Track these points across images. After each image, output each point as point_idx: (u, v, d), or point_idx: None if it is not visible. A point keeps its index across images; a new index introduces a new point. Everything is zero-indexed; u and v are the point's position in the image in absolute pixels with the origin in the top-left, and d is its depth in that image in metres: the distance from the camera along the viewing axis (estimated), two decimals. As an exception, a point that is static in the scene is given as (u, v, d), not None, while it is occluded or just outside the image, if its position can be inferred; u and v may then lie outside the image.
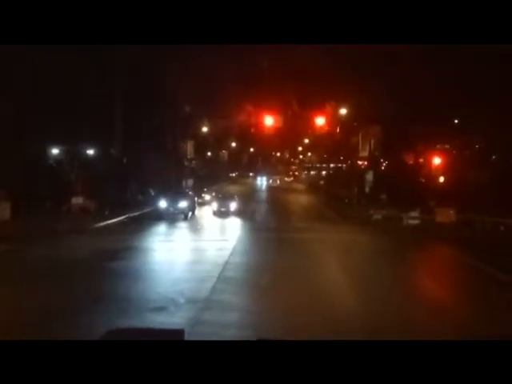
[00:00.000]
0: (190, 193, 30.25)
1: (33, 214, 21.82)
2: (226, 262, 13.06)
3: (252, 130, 44.83)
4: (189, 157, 40.89)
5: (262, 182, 78.45)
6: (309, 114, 33.35)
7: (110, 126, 30.12)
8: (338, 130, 36.99)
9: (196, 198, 30.15)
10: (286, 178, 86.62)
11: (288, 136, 51.08)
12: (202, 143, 45.66)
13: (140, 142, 31.14)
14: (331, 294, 9.94)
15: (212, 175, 56.31)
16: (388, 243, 18.42)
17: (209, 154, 58.19)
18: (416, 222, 24.17)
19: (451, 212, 23.14)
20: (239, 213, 27.81)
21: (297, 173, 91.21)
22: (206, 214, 28.84)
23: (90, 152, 31.53)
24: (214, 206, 28.89)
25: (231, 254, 14.63)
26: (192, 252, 16.28)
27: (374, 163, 34.16)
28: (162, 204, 25.57)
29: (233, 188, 47.46)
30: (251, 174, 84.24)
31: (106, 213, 23.83)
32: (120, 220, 23.55)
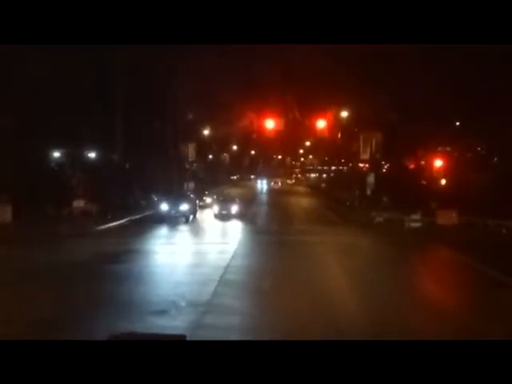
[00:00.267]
0: (192, 196, 30.24)
1: (34, 217, 21.83)
2: (228, 265, 13.03)
3: (254, 136, 44.91)
4: (190, 160, 40.88)
5: (262, 185, 74.78)
6: (310, 118, 33.38)
7: (112, 129, 30.18)
8: (339, 135, 37.03)
9: (197, 201, 30.13)
10: (287, 181, 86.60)
11: (289, 139, 51.10)
12: (203, 146, 45.69)
13: (141, 145, 31.19)
14: (333, 297, 9.90)
15: (213, 178, 56.32)
16: (390, 246, 18.38)
17: (210, 156, 58.21)
18: (418, 224, 24.14)
19: (453, 214, 23.11)
20: (240, 216, 27.79)
21: (300, 175, 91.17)
22: (207, 216, 28.82)
23: (92, 155, 31.54)
24: (216, 208, 28.87)
25: (232, 257, 14.60)
26: (193, 255, 16.26)
27: (375, 166, 34.11)
28: (164, 207, 25.56)
29: (234, 191, 47.45)
30: (252, 177, 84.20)
31: (109, 216, 23.83)
32: (121, 223, 23.54)
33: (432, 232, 21.98)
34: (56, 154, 30.10)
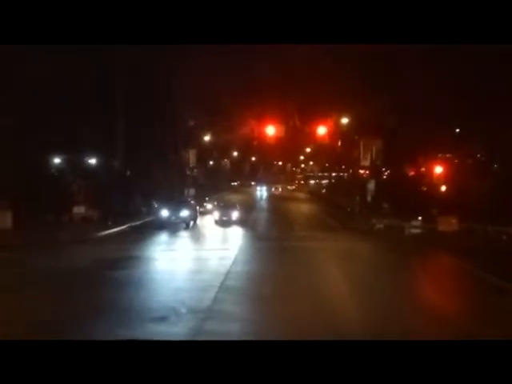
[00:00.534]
0: (192, 202, 30.25)
1: (34, 223, 21.83)
2: (228, 271, 13.02)
3: (255, 143, 44.96)
4: (191, 166, 40.92)
5: (261, 192, 72.30)
6: (310, 124, 33.47)
7: (112, 135, 30.23)
8: (339, 142, 37.11)
9: (198, 207, 30.14)
10: (288, 187, 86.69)
11: (289, 145, 51.18)
12: (204, 152, 45.75)
13: (142, 151, 31.24)
14: (333, 303, 9.88)
15: (214, 184, 56.31)
16: (390, 252, 18.36)
17: (211, 163, 58.26)
18: (418, 230, 24.11)
19: (453, 221, 23.08)
20: (241, 222, 27.77)
21: (302, 181, 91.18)
22: (207, 223, 28.81)
23: (92, 161, 31.57)
24: (216, 214, 28.86)
25: (233, 263, 14.59)
26: (193, 261, 16.24)
27: (375, 172, 34.13)
28: (164, 213, 25.57)
29: (234, 197, 47.43)
30: (253, 183, 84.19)
31: (110, 222, 23.84)
32: (122, 229, 23.54)
33: (433, 238, 21.94)
34: (56, 160, 30.12)
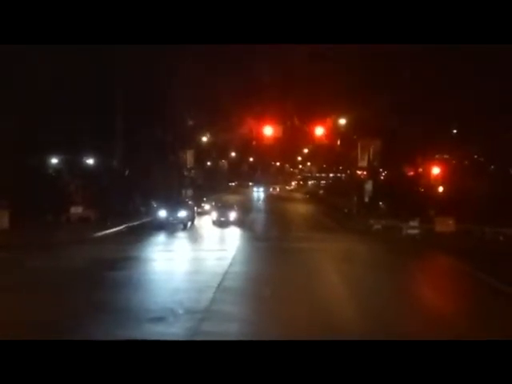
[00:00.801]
0: (190, 202, 30.22)
1: (32, 223, 21.78)
2: (226, 272, 13.01)
3: (253, 143, 44.94)
4: (188, 166, 40.90)
5: (258, 193, 69.66)
6: (308, 125, 33.48)
7: (111, 135, 30.19)
8: (337, 142, 37.11)
9: (195, 208, 30.12)
10: (286, 187, 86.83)
11: (287, 146, 51.19)
12: (202, 153, 45.74)
13: (140, 152, 31.22)
14: (331, 304, 9.88)
15: (211, 185, 56.28)
16: (388, 253, 18.39)
17: (208, 163, 58.24)
18: (416, 231, 24.13)
19: (450, 222, 23.12)
20: (239, 222, 27.77)
21: (302, 182, 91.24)
22: (205, 223, 28.79)
23: (90, 162, 31.53)
24: (214, 215, 28.85)
25: (231, 263, 14.58)
26: (191, 262, 16.24)
27: (373, 173, 34.17)
28: (162, 214, 25.55)
29: (232, 197, 47.43)
30: (251, 184, 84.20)
31: (109, 223, 23.81)
32: (119, 230, 23.50)
33: (430, 239, 21.98)
34: (54, 161, 30.06)
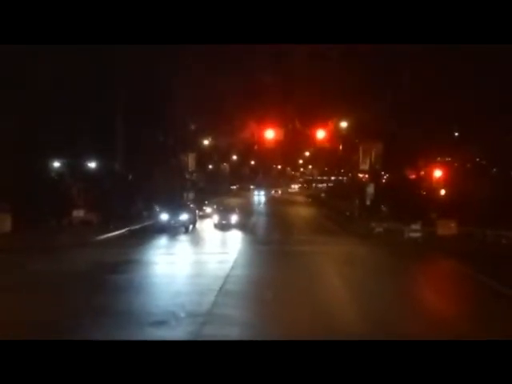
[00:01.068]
0: (191, 205, 30.23)
1: (33, 226, 21.81)
2: (227, 275, 13.01)
3: (255, 147, 45.00)
4: (190, 169, 40.94)
5: (259, 196, 67.95)
6: (310, 128, 33.51)
7: (112, 138, 30.25)
8: (339, 145, 37.16)
9: (197, 211, 30.12)
10: (288, 190, 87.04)
11: (289, 149, 51.22)
12: (203, 156, 45.80)
13: (142, 155, 31.26)
14: (333, 307, 9.88)
15: (213, 188, 56.28)
16: (390, 256, 18.36)
17: (210, 166, 58.29)
18: (418, 234, 24.07)
19: (452, 225, 23.07)
20: (240, 225, 27.76)
21: (301, 185, 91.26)
22: (207, 226, 28.78)
23: (92, 165, 31.57)
24: (215, 218, 28.85)
25: (232, 267, 14.58)
26: (193, 265, 16.23)
27: (374, 176, 34.14)
28: (163, 217, 25.56)
29: (234, 200, 47.42)
30: (252, 187, 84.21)
31: (111, 226, 23.83)
32: (121, 233, 23.52)
33: (432, 242, 21.94)
34: (56, 164, 30.11)
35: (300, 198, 67.51)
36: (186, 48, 25.23)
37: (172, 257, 17.96)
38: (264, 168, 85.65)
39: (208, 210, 34.36)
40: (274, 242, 21.80)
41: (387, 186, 36.74)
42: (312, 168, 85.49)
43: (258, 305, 10.12)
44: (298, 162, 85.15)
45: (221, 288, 11.32)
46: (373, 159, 31.82)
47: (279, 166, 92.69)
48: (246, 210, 37.66)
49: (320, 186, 79.72)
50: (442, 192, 31.20)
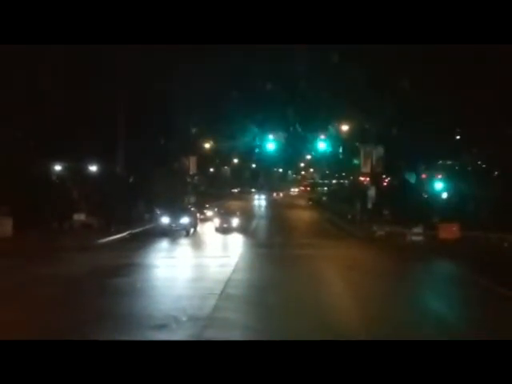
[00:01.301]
0: (192, 209, 30.22)
1: (35, 230, 21.78)
2: (229, 279, 12.96)
3: (257, 151, 45.13)
4: (191, 173, 40.96)
5: (260, 201, 67.74)
6: (311, 131, 33.59)
7: (113, 142, 30.27)
8: (340, 149, 37.20)
9: (198, 214, 30.10)
10: (289, 193, 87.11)
11: (290, 152, 51.26)
12: (204, 159, 45.85)
13: (144, 159, 31.28)
14: (334, 311, 9.81)
15: (214, 191, 56.31)
16: (393, 260, 18.30)
17: (211, 170, 58.35)
18: (420, 238, 24.03)
19: (454, 228, 23.00)
20: (241, 229, 27.72)
21: (302, 188, 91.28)
22: (207, 230, 28.75)
23: (93, 168, 31.57)
24: (216, 222, 28.82)
25: (233, 270, 14.53)
26: (194, 269, 16.19)
27: (375, 179, 34.10)
28: (164, 220, 25.54)
29: (235, 204, 47.41)
30: (253, 190, 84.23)
31: (112, 229, 23.81)
32: (122, 236, 23.50)
33: (434, 246, 21.88)
34: (57, 168, 30.10)
35: (301, 202, 67.51)
36: (190, 52, 25.36)
37: (173, 260, 17.92)
38: (265, 171, 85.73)
39: (209, 213, 34.35)
40: (275, 246, 21.75)
41: (389, 189, 36.70)
42: (313, 171, 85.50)
43: (259, 309, 10.06)
44: (299, 165, 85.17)
45: (222, 292, 11.28)
46: (374, 162, 31.79)
47: (280, 170, 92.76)
48: (247, 214, 37.65)
49: (320, 189, 79.83)
50: (444, 195, 31.14)
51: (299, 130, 34.05)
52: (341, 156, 40.10)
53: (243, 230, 27.72)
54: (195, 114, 36.01)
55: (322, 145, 33.99)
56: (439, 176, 31.68)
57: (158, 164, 33.31)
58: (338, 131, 33.58)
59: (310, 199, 67.36)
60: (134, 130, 29.88)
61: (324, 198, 63.04)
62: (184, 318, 8.89)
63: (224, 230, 27.39)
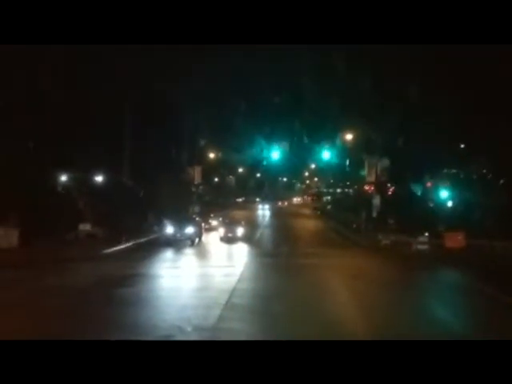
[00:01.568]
0: (197, 219, 30.26)
1: (40, 240, 21.86)
2: (234, 289, 12.95)
3: (264, 162, 45.36)
4: (196, 183, 41.07)
5: (264, 211, 66.74)
6: (316, 140, 33.71)
7: (119, 152, 30.45)
8: (345, 160, 37.30)
9: (203, 224, 30.13)
10: (294, 202, 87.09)
11: (295, 161, 51.34)
12: (209, 169, 46.02)
13: (150, 169, 31.44)
14: (341, 322, 9.78)
15: (219, 201, 56.36)
16: (398, 269, 18.24)
17: (216, 179, 58.45)
18: (425, 247, 23.93)
19: (460, 237, 22.90)
20: (246, 238, 27.71)
21: (308, 197, 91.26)
22: (212, 239, 28.76)
23: (99, 179, 31.71)
24: (221, 231, 28.83)
25: (238, 280, 14.52)
26: (199, 278, 16.18)
27: (380, 188, 34.06)
28: (169, 230, 25.58)
29: (240, 213, 47.40)
30: (258, 200, 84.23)
31: (123, 239, 23.89)
32: (127, 246, 23.55)
33: (440, 255, 21.79)
34: (63, 178, 30.25)
35: (306, 211, 67.40)
36: (199, 62, 25.57)
37: (178, 270, 17.93)
38: (270, 180, 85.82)
39: (214, 222, 34.37)
40: (280, 255, 21.73)
41: (394, 198, 36.63)
42: (318, 180, 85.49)
43: (264, 319, 10.04)
44: (304, 174, 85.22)
45: (227, 302, 11.27)
46: (379, 171, 31.79)
47: (285, 179, 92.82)
48: (252, 223, 37.62)
49: (325, 198, 79.73)
50: (449, 204, 31.04)
51: (305, 139, 34.17)
52: (347, 168, 40.17)
53: (248, 239, 27.71)
54: (203, 125, 36.27)
55: (327, 154, 34.04)
56: (444, 185, 31.60)
57: (164, 173, 33.45)
58: (344, 141, 33.64)
59: (315, 208, 67.24)
60: (141, 140, 30.06)
61: (328, 207, 62.94)
62: (189, 329, 8.89)
63: (229, 239, 27.39)
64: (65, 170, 29.08)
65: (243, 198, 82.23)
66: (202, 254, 23.56)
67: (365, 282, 14.82)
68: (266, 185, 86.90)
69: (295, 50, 24.14)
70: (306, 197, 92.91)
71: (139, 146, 30.34)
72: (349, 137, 33.30)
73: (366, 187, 35.83)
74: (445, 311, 11.50)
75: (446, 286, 15.83)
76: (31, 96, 22.54)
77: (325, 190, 79.51)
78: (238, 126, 35.65)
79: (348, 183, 54.06)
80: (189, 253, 23.20)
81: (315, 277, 15.49)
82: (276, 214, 61.39)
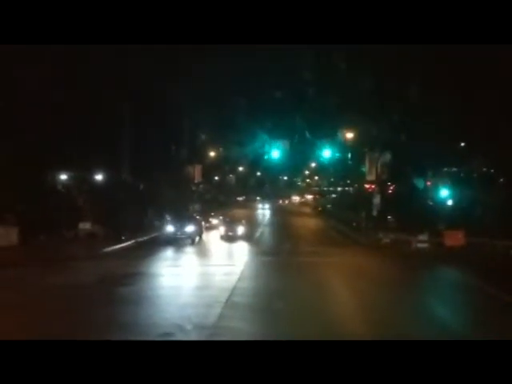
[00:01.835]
0: (197, 217, 30.27)
1: (40, 239, 21.89)
2: (234, 287, 12.97)
3: (265, 158, 45.35)
4: (196, 181, 41.07)
5: (264, 210, 66.23)
6: (317, 138, 33.66)
7: (119, 150, 30.45)
8: (348, 155, 37.27)
9: (203, 223, 30.14)
10: (294, 201, 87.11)
11: (295, 160, 51.33)
12: (210, 167, 46.02)
13: (150, 167, 31.44)
14: (341, 320, 9.80)
15: (219, 199, 56.39)
16: (398, 268, 18.24)
17: (216, 178, 58.45)
18: (425, 245, 23.93)
19: (460, 236, 22.89)
20: (247, 237, 27.73)
21: (308, 195, 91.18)
22: (213, 238, 28.77)
23: (99, 177, 31.71)
24: (222, 230, 28.84)
25: (239, 278, 14.54)
26: (199, 277, 16.20)
27: (381, 187, 34.04)
28: (170, 228, 25.60)
29: (240, 212, 47.41)
30: (258, 198, 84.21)
31: (123, 237, 23.92)
32: (128, 245, 23.57)
33: (440, 253, 21.79)
34: (63, 177, 30.27)
35: (306, 209, 67.40)
36: (200, 59, 25.54)
37: (178, 269, 17.94)
38: (270, 179, 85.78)
39: (214, 221, 34.38)
40: (280, 254, 21.74)
41: (394, 196, 36.61)
42: (318, 179, 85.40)
43: (264, 317, 10.06)
44: (304, 172, 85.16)
45: (227, 300, 11.29)
46: (379, 169, 31.77)
47: (285, 177, 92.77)
48: (253, 222, 37.63)
49: (327, 196, 79.63)
50: (450, 202, 31.02)
51: (307, 136, 34.13)
52: (349, 162, 40.11)
53: (248, 237, 27.72)
54: (204, 121, 36.27)
55: (328, 152, 34.02)
56: (444, 183, 31.57)
57: (165, 171, 33.46)
58: (345, 138, 33.60)
59: (315, 206, 67.21)
60: (141, 138, 30.06)
61: (329, 206, 62.94)
62: (189, 327, 8.91)
63: (229, 238, 27.41)
64: (65, 168, 29.10)
65: (244, 197, 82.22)
66: (202, 252, 23.58)
67: (365, 280, 14.83)
68: (266, 183, 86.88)
69: (295, 49, 24.13)
70: (306, 195, 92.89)
71: (139, 145, 30.32)
72: (349, 135, 33.26)
73: (367, 186, 35.82)
74: (445, 310, 11.52)
75: (446, 284, 15.84)
76: (31, 96, 22.53)
77: (325, 189, 79.44)
78: (238, 123, 35.68)
79: (348, 181, 53.98)
80: (189, 251, 23.21)
81: (315, 275, 15.50)
82: (276, 212, 61.38)
